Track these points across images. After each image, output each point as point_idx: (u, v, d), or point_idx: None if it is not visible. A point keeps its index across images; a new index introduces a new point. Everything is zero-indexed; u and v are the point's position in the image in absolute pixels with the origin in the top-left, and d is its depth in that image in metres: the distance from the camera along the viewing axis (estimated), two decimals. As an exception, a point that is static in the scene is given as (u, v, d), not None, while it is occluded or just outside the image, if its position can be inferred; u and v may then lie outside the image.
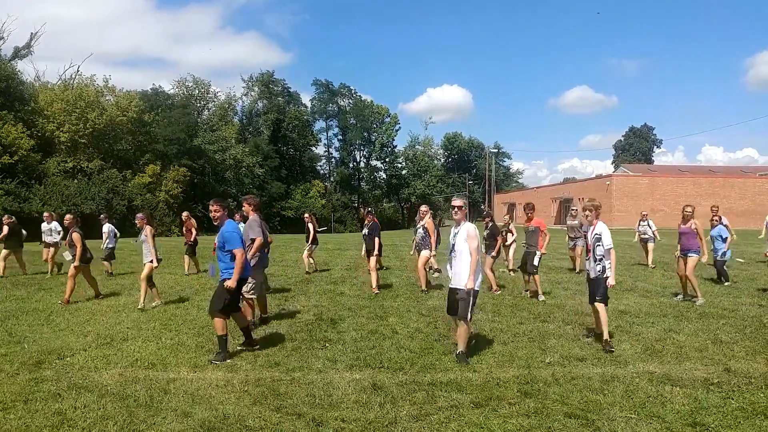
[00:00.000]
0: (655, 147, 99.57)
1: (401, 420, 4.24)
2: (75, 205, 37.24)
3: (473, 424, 4.15)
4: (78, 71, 53.74)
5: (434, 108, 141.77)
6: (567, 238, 14.37)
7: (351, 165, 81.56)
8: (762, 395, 4.69)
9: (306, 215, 14.31)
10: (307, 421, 4.21)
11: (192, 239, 14.22)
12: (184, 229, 14.89)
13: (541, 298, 9.59)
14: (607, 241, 6.43)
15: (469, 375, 5.39)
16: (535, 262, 9.76)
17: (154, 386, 5.02)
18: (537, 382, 5.11)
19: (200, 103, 67.01)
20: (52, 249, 13.66)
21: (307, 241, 13.79)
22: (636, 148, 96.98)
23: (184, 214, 15.33)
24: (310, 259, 14.08)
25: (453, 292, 5.98)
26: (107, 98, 50.39)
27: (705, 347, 6.33)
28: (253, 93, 73.53)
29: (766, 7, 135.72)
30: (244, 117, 73.60)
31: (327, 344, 6.66)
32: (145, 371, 5.52)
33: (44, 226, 13.81)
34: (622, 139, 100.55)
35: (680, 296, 9.59)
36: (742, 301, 9.41)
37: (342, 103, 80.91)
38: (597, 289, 6.52)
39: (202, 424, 4.10)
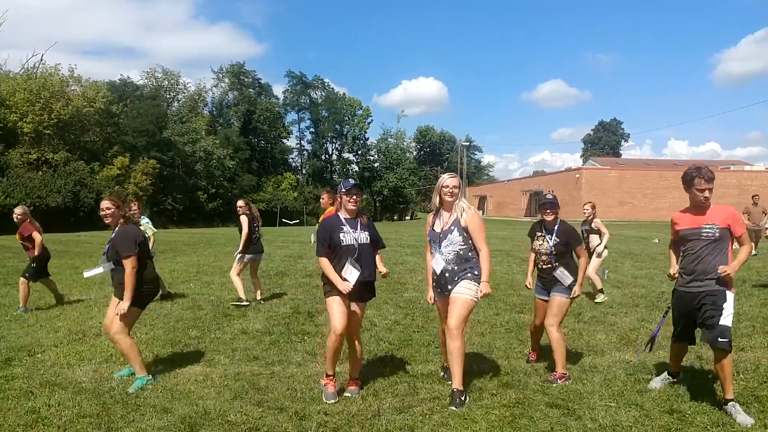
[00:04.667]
0: (623, 141, 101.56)
1: (384, 412, 4.24)
2: (40, 198, 36.26)
3: (456, 415, 4.17)
4: (42, 60, 52.07)
5: (409, 100, 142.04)
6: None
7: (323, 157, 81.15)
8: (734, 382, 4.81)
9: (240, 203, 9.04)
10: (289, 415, 4.17)
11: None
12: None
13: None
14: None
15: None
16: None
17: (130, 382, 4.91)
18: (517, 373, 5.16)
19: (170, 94, 65.75)
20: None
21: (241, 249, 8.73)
22: (605, 141, 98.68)
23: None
24: (253, 280, 9.11)
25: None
26: (73, 88, 48.96)
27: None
28: (223, 84, 72.51)
29: (735, 3, 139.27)
30: (214, 109, 72.52)
31: (305, 337, 6.63)
32: (120, 367, 5.40)
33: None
34: (591, 132, 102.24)
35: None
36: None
37: (314, 95, 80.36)
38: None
39: (183, 420, 4.03)
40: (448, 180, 4.68)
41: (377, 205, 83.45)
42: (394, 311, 8.11)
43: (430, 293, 4.84)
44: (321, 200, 7.75)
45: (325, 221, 4.78)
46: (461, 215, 4.64)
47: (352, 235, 4.60)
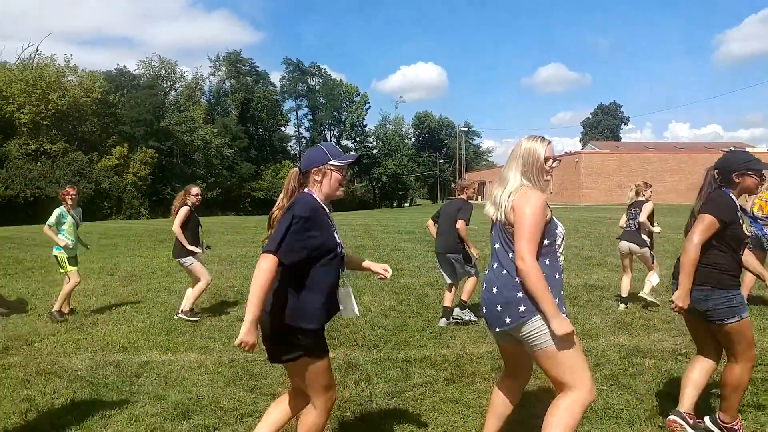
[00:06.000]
0: (622, 124, 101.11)
1: (376, 397, 4.26)
2: (39, 189, 36.22)
3: (448, 399, 4.20)
4: (37, 51, 51.84)
5: (409, 86, 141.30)
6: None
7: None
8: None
9: (192, 193, 7.35)
10: (282, 400, 4.19)
11: None
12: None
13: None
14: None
15: (443, 351, 5.45)
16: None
17: (125, 370, 4.94)
18: (510, 357, 5.17)
19: (167, 83, 65.39)
20: None
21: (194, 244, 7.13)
22: (604, 125, 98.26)
23: None
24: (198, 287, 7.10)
25: None
26: (69, 79, 48.75)
27: (672, 319, 6.48)
28: (220, 73, 72.16)
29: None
30: (211, 97, 72.23)
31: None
32: (116, 355, 5.44)
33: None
34: (591, 116, 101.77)
35: None
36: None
37: (312, 82, 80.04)
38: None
39: (176, 407, 4.06)
40: (549, 146, 2.91)
41: (376, 192, 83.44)
42: (389, 297, 8.13)
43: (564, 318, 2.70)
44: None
45: (312, 203, 2.73)
46: None
47: (338, 236, 2.88)
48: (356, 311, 2.95)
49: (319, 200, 2.80)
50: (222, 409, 4.07)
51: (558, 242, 2.86)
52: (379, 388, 4.45)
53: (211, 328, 6.53)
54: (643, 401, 4.08)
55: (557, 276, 2.83)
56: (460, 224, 6.62)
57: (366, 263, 3.19)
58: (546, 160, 2.86)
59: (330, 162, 2.79)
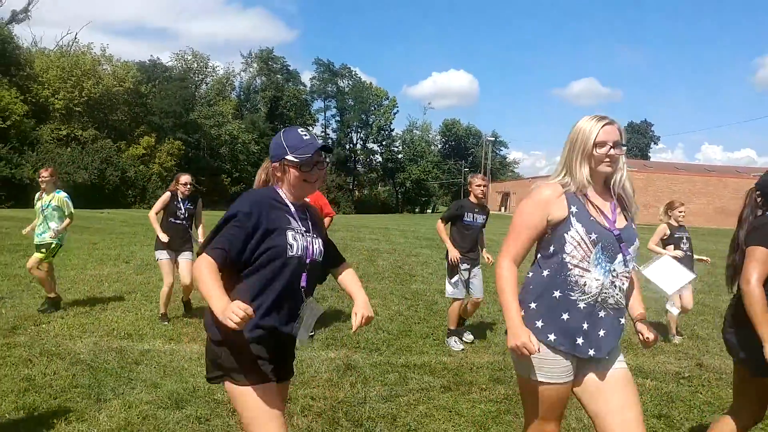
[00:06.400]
0: (652, 143, 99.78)
1: (370, 400, 4.25)
2: (67, 174, 36.96)
3: (441, 407, 4.17)
4: (75, 39, 53.09)
5: (439, 93, 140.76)
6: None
7: (347, 146, 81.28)
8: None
9: (180, 181, 6.74)
10: (276, 397, 4.21)
11: None
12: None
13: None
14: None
15: (443, 359, 5.41)
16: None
17: (126, 356, 5.01)
18: (510, 369, 5.11)
19: (198, 77, 66.33)
20: None
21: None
22: (633, 143, 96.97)
23: None
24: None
25: None
26: (104, 67, 49.79)
27: (681, 342, 6.36)
28: (251, 69, 72.95)
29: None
30: (241, 93, 73.05)
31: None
32: (119, 341, 5.51)
33: None
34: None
35: None
36: (722, 298, 9.45)
37: (341, 83, 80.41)
38: None
39: (170, 396, 4.09)
40: (605, 127, 2.34)
41: (399, 197, 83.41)
42: (398, 302, 8.11)
43: (534, 342, 2.25)
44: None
45: (257, 197, 2.30)
46: (630, 200, 2.48)
47: (302, 239, 2.30)
48: (305, 337, 2.28)
49: (283, 196, 2.34)
50: (216, 400, 4.09)
51: (571, 251, 2.28)
52: (374, 392, 4.43)
53: (216, 320, 6.57)
54: (639, 423, 4.00)
55: (556, 293, 2.29)
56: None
57: (355, 293, 2.41)
58: (598, 145, 2.29)
59: (286, 157, 2.30)
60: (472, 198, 6.05)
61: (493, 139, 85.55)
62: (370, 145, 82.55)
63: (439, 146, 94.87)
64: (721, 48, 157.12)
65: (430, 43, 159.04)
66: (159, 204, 6.60)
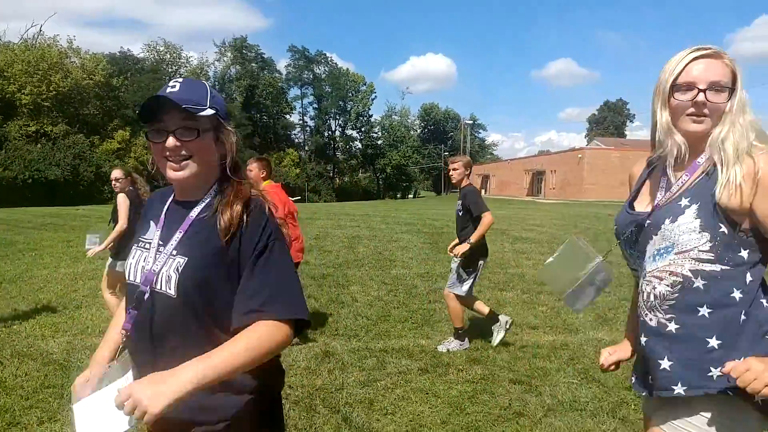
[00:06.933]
0: (628, 121, 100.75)
1: (348, 386, 4.26)
2: (38, 171, 36.30)
3: (419, 390, 4.19)
4: (41, 31, 51.80)
5: (417, 77, 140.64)
6: None
7: (326, 134, 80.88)
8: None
9: (116, 174, 5.91)
10: (252, 387, 4.19)
11: None
12: None
13: None
14: None
15: (421, 342, 5.44)
16: None
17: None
18: (487, 350, 5.17)
19: (172, 68, 65.35)
20: None
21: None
22: (610, 122, 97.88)
23: None
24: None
25: None
26: (72, 60, 48.76)
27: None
28: (225, 58, 72.02)
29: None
30: (216, 83, 72.09)
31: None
32: (94, 339, 5.44)
33: None
34: (596, 113, 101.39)
35: None
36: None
37: (318, 70, 79.77)
38: None
39: (145, 391, 4.05)
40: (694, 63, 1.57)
41: (380, 183, 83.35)
42: (378, 287, 8.11)
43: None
44: (249, 172, 5.13)
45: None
46: (730, 167, 1.53)
47: (142, 257, 1.57)
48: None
49: (175, 189, 1.63)
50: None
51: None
52: (352, 377, 4.44)
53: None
54: (610, 394, 4.07)
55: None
56: None
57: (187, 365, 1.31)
58: (676, 88, 1.58)
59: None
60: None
61: (471, 122, 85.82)
62: (349, 131, 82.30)
63: (418, 131, 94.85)
64: (694, 26, 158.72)
65: (408, 27, 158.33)
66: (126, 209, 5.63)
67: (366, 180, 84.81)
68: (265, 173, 5.32)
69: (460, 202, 5.34)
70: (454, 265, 5.26)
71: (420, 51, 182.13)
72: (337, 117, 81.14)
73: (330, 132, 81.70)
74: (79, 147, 43.42)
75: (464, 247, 5.02)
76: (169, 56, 64.63)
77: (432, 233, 15.34)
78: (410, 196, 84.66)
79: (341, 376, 4.46)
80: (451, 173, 5.36)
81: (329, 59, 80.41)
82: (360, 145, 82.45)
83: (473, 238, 5.00)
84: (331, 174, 77.85)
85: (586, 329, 5.90)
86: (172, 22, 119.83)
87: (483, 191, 70.89)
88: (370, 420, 3.69)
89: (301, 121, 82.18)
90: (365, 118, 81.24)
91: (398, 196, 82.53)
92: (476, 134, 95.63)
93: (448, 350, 5.13)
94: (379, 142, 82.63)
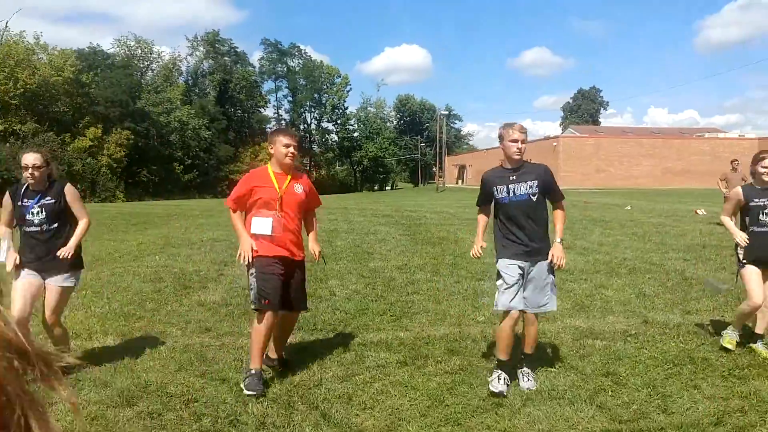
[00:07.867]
0: (602, 109, 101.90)
1: (326, 381, 4.25)
2: (8, 171, 35.45)
3: (398, 383, 4.20)
4: (6, 27, 50.45)
5: (393, 68, 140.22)
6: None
7: (302, 127, 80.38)
8: (673, 344, 4.92)
9: (29, 159, 4.40)
10: (230, 386, 4.16)
11: None
12: None
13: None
14: None
15: (400, 335, 5.45)
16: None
17: (74, 356, 4.85)
18: (465, 340, 5.20)
19: (143, 63, 64.32)
20: None
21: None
22: (584, 109, 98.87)
23: None
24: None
25: None
26: (39, 57, 47.65)
27: (629, 301, 6.57)
28: (198, 53, 71.04)
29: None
30: (189, 78, 71.10)
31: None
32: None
33: None
34: (571, 101, 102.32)
35: None
36: (669, 255, 9.80)
37: (292, 63, 79.15)
38: None
39: (120, 394, 4.00)
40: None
41: (357, 175, 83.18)
42: (356, 281, 8.10)
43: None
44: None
45: None
46: None
47: None
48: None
49: None
50: (168, 394, 4.02)
51: None
52: (330, 373, 4.43)
53: (171, 313, 6.44)
54: (587, 381, 4.13)
55: None
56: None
57: None
58: None
59: None
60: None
61: (447, 112, 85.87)
62: (325, 124, 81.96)
63: (395, 122, 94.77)
64: (666, 13, 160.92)
65: (382, 18, 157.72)
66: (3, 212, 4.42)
67: (343, 173, 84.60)
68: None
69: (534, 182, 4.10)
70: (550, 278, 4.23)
71: (395, 42, 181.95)
72: (313, 110, 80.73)
73: (305, 125, 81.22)
74: (50, 145, 42.39)
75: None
76: (140, 51, 63.62)
77: (410, 225, 15.38)
78: (388, 188, 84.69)
79: (319, 372, 4.45)
80: (520, 146, 4.18)
81: (303, 51, 79.96)
82: (336, 138, 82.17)
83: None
84: (308, 167, 77.44)
85: (563, 317, 5.97)
86: (141, 16, 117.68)
87: (460, 181, 71.12)
88: (349, 415, 3.69)
89: (276, 115, 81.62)
90: (341, 111, 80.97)
91: (376, 188, 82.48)
92: (452, 125, 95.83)
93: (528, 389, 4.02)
94: (356, 134, 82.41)
